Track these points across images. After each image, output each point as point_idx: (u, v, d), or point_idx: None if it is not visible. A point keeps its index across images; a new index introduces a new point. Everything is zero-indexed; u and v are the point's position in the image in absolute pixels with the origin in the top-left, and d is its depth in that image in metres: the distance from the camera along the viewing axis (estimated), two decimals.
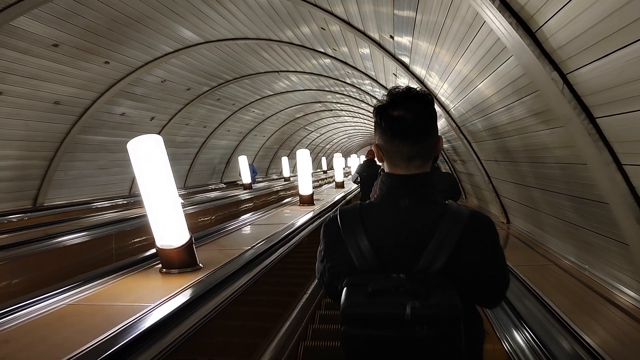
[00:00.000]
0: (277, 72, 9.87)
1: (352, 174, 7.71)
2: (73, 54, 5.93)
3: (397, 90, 1.12)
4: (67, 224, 5.84)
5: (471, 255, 1.05)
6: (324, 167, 24.19)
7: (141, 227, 5.78)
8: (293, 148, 22.08)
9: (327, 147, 29.85)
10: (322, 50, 7.67)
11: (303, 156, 6.48)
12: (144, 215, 2.89)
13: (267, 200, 10.83)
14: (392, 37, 4.45)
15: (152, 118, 9.37)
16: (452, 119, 4.55)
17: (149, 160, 2.50)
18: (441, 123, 5.15)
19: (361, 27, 5.12)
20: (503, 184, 3.98)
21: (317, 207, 6.41)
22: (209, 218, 7.66)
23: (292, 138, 20.30)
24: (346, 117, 20.36)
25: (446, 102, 4.56)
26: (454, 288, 0.99)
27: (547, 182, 2.63)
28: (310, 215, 5.52)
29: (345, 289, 1.05)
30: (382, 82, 7.60)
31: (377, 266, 1.07)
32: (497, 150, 3.62)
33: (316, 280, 1.28)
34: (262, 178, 18.86)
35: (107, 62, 6.60)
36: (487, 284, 1.10)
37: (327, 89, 12.49)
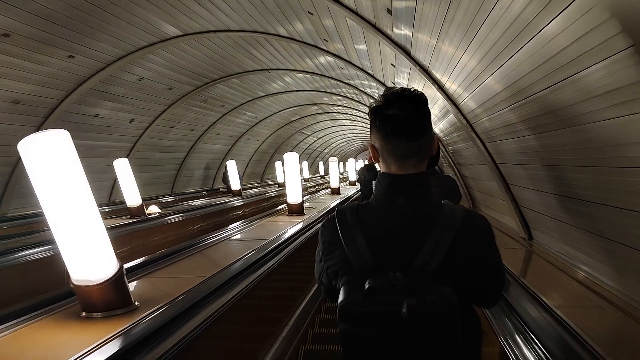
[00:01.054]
0: (267, 70, 9.18)
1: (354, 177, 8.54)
2: (28, 45, 5.23)
3: (392, 90, 1.12)
4: (23, 237, 5.12)
5: (467, 253, 1.06)
6: (322, 172, 23.51)
7: None
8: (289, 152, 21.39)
9: (325, 151, 29.17)
10: (313, 43, 6.99)
11: (291, 160, 5.77)
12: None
13: (259, 208, 10.11)
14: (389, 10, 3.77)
15: (132, 120, 8.67)
16: (462, 114, 3.89)
17: (50, 164, 1.77)
18: (449, 120, 4.49)
19: (353, 6, 4.44)
20: (526, 192, 3.28)
21: (307, 217, 5.69)
22: (189, 229, 6.94)
23: (288, 142, 19.61)
24: (344, 121, 19.68)
25: (454, 95, 3.90)
26: (450, 286, 0.99)
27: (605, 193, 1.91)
28: (298, 227, 4.81)
29: (342, 287, 1.06)
30: (380, 77, 6.92)
31: (374, 265, 1.07)
32: (521, 151, 2.92)
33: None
34: (258, 183, 18.15)
35: (71, 56, 5.90)
36: (483, 282, 1.11)
37: (322, 90, 11.81)
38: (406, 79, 5.51)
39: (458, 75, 3.43)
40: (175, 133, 10.75)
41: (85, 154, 7.84)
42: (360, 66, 7.18)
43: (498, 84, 2.70)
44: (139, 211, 6.26)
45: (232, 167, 10.07)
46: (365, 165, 7.03)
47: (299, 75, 9.92)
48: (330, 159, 9.56)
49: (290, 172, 5.78)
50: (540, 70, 1.97)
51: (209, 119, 11.54)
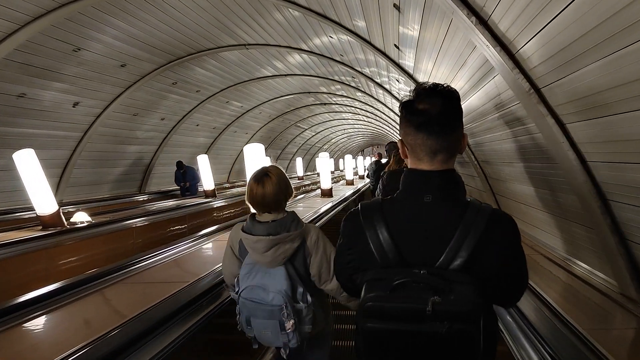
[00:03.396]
0: (244, 45, 7.55)
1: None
2: None
3: (424, 85, 1.10)
4: None
5: (492, 253, 1.04)
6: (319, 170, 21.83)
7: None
8: (284, 147, 19.77)
9: (325, 147, 27.51)
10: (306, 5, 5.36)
11: (253, 153, 4.17)
12: None
13: (235, 213, 8.54)
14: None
15: (76, 104, 7.07)
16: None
17: None
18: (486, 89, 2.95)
19: None
20: None
21: None
22: (130, 242, 5.35)
23: (282, 136, 17.98)
24: (344, 114, 18.02)
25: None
26: (474, 285, 0.99)
27: None
28: None
29: (366, 283, 1.05)
30: (378, 45, 5.29)
31: (398, 261, 1.06)
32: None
33: None
34: (245, 182, 16.54)
35: None
36: (507, 282, 1.08)
37: (314, 75, 10.15)
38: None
39: None
40: (141, 122, 9.15)
41: (10, 143, 6.27)
42: (354, 30, 5.55)
43: None
44: (54, 221, 4.68)
45: (204, 163, 8.47)
46: (373, 160, 7.42)
47: (281, 49, 8.30)
48: (320, 154, 7.94)
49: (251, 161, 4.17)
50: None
51: (182, 106, 9.93)
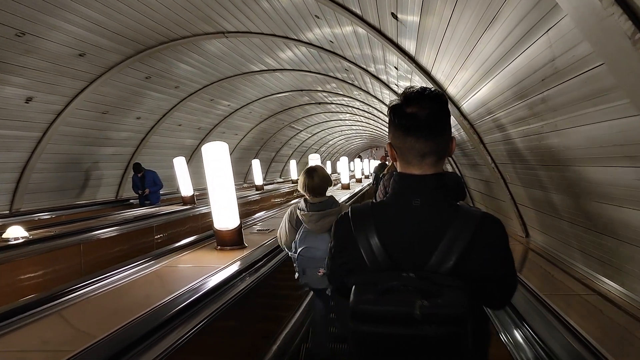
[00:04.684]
0: (223, 33, 6.67)
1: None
2: None
3: (412, 89, 1.12)
4: None
5: (481, 256, 1.05)
6: None
7: None
8: (279, 150, 18.88)
9: (322, 149, 26.66)
10: None
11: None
12: None
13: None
14: None
15: (29, 99, 6.19)
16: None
17: None
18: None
19: None
20: None
21: (235, 266, 3.19)
22: (74, 263, 4.45)
23: (276, 138, 17.10)
24: (340, 115, 17.16)
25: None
26: (463, 288, 0.99)
27: None
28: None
29: (355, 286, 1.05)
30: (373, 22, 4.40)
31: (387, 264, 1.07)
32: None
33: None
34: (238, 186, 15.65)
35: None
36: (496, 285, 1.10)
37: (306, 70, 9.28)
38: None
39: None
40: (113, 121, 8.27)
41: None
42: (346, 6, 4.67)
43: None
44: None
45: (181, 166, 7.58)
46: (379, 164, 7.68)
47: (278, 52, 7.44)
48: (310, 156, 7.07)
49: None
50: None
51: (160, 104, 9.05)
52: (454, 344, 0.96)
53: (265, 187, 12.44)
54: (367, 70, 7.14)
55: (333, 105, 14.86)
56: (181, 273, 2.91)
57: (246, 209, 9.31)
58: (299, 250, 2.71)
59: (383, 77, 6.93)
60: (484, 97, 3.06)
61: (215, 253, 3.49)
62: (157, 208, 7.37)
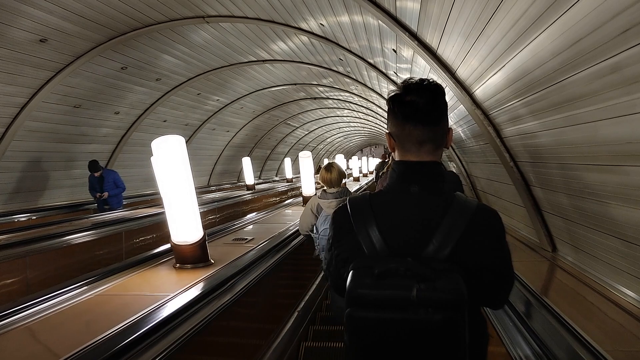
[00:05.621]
0: (203, 17, 6.01)
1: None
2: None
3: (411, 80, 1.12)
4: None
5: (477, 245, 1.04)
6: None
7: None
8: (274, 147, 18.23)
9: (320, 147, 26.01)
10: None
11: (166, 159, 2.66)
12: None
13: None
14: None
15: None
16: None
17: None
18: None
19: None
20: None
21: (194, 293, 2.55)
22: (20, 278, 3.81)
23: (271, 135, 16.44)
24: (338, 110, 16.50)
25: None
26: (460, 273, 0.98)
27: None
28: None
29: (351, 271, 1.04)
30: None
31: (385, 252, 1.07)
32: None
33: None
34: (231, 185, 14.98)
35: None
36: (492, 277, 1.07)
37: (298, 60, 8.62)
38: None
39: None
40: (87, 116, 7.61)
41: None
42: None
43: None
44: None
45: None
46: (380, 162, 7.49)
47: (267, 41, 6.78)
48: (301, 154, 6.41)
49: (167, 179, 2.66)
50: None
51: (140, 97, 8.39)
52: (450, 329, 0.94)
53: (258, 187, 11.79)
54: (363, 59, 6.49)
55: (330, 101, 14.20)
56: (112, 306, 2.22)
57: (232, 211, 8.67)
58: (320, 231, 3.28)
59: (381, 67, 6.27)
60: (504, 80, 2.41)
61: (172, 273, 2.84)
62: (121, 213, 6.65)
